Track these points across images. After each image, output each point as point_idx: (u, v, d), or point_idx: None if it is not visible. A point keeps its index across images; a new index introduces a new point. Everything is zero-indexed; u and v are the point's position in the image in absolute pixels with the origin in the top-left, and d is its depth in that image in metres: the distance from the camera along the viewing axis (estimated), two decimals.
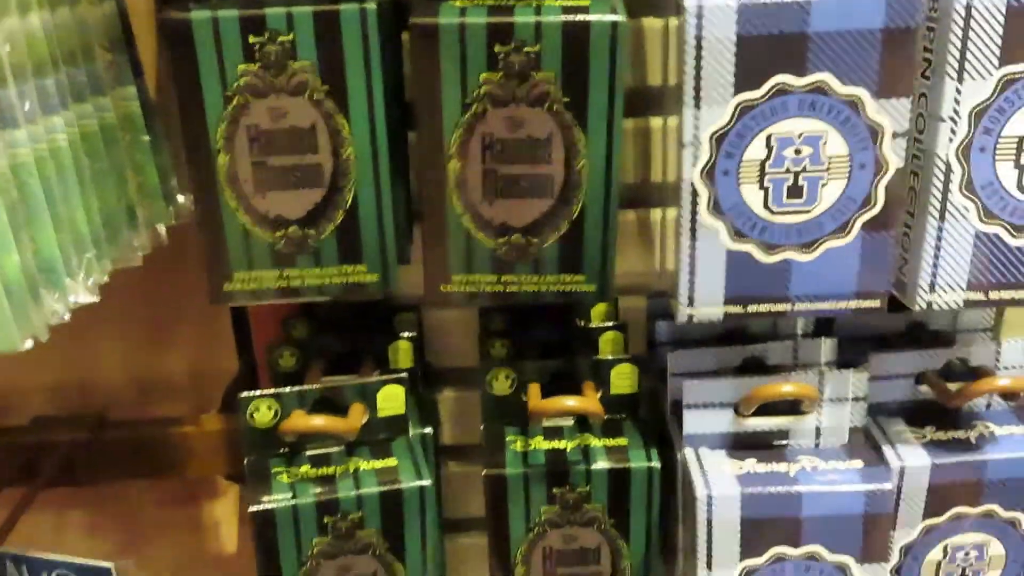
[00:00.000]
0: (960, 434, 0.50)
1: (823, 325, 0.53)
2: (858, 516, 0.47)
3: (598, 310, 0.56)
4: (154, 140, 0.55)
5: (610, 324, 0.54)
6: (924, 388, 0.51)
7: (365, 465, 0.50)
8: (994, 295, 0.45)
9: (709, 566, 0.48)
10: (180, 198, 0.59)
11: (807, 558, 0.48)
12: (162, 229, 0.56)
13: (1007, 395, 0.50)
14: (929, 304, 0.45)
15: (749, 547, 0.47)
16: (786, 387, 0.47)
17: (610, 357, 0.52)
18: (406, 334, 0.55)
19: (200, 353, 0.71)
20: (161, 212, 0.56)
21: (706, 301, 0.45)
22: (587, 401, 0.48)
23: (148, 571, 0.54)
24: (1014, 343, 0.51)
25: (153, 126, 0.55)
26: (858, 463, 0.48)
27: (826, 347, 0.50)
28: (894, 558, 0.51)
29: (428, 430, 0.53)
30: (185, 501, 0.74)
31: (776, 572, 0.48)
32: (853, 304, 0.45)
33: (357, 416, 0.49)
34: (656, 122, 0.52)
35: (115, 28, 0.50)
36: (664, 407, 0.52)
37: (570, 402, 0.48)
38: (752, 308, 0.45)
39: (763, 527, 0.47)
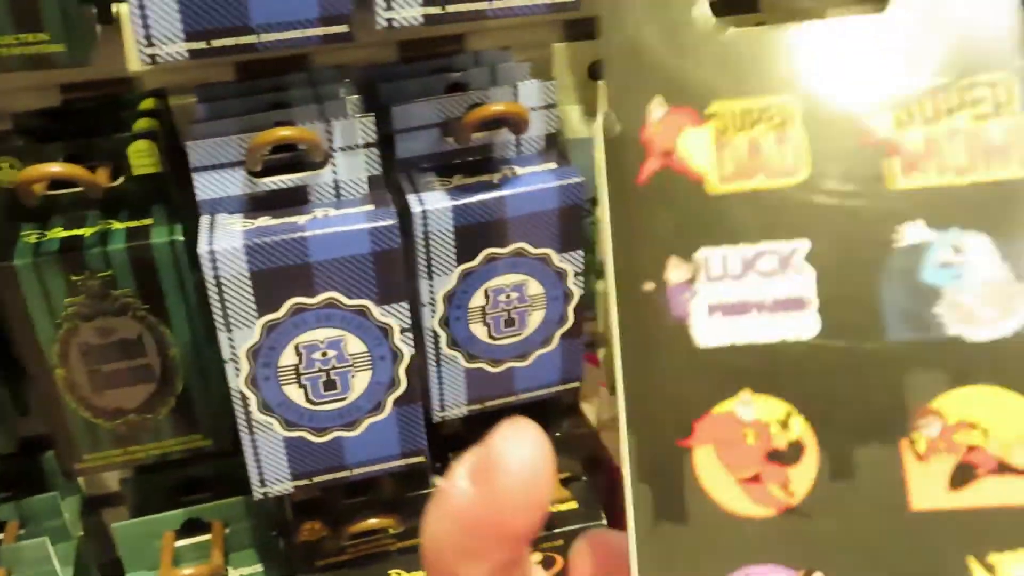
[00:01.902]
0: (485, 178, 0.51)
1: None
2: (367, 255, 0.46)
3: None
4: None
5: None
6: (451, 140, 0.51)
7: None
8: None
9: (227, 327, 0.46)
10: None
11: (326, 306, 0.47)
12: None
13: (517, 125, 0.50)
14: None
15: (265, 302, 0.46)
16: (283, 132, 0.46)
17: (127, 134, 0.49)
18: None
19: None
20: None
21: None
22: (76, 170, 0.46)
23: None
24: (530, 83, 0.51)
25: None
26: (370, 207, 0.48)
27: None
28: (439, 309, 0.51)
29: None
30: None
31: (298, 324, 0.47)
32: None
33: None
34: None
35: None
36: None
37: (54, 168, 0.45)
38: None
39: (274, 278, 0.46)
